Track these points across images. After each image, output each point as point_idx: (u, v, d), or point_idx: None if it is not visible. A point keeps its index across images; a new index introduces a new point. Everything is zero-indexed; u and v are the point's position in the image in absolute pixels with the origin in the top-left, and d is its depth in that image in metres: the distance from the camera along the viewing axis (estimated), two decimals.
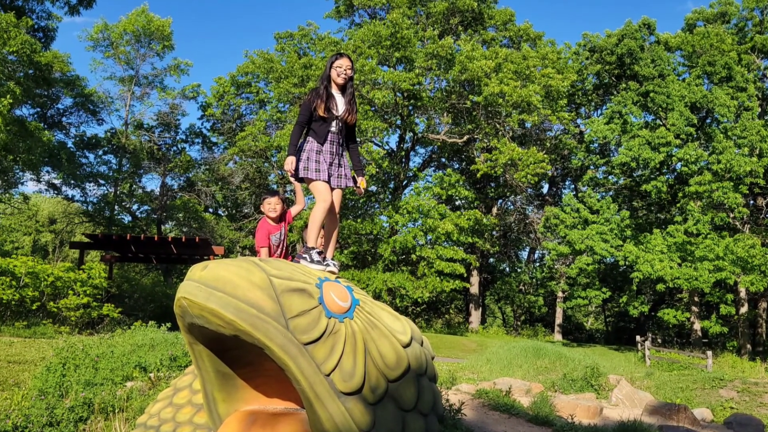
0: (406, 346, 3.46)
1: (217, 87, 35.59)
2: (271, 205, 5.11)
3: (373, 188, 32.35)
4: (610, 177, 33.54)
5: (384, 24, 29.20)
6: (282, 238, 5.19)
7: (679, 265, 27.94)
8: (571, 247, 29.81)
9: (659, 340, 33.12)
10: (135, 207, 37.28)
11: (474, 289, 36.97)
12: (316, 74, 28.33)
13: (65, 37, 64.26)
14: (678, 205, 30.37)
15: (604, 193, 33.31)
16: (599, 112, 38.11)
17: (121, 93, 34.73)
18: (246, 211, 39.29)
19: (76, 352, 7.76)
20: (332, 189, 4.25)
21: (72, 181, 32.49)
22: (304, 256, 3.98)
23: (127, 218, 37.07)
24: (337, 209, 4.32)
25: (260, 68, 33.13)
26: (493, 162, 29.69)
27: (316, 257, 3.97)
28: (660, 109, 29.93)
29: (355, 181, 4.42)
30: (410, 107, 30.87)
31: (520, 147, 30.77)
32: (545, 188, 41.40)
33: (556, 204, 36.86)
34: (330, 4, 47.71)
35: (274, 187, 35.67)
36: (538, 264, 41.88)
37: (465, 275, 32.78)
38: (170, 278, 34.48)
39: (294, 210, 5.41)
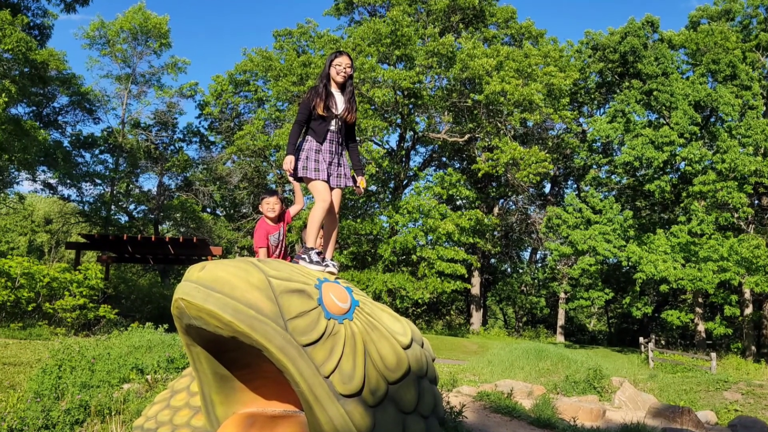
0: (407, 347, 3.45)
1: (215, 85, 35.50)
2: (270, 205, 5.05)
3: (373, 188, 32.18)
4: (612, 176, 33.36)
5: (384, 21, 29.03)
6: (281, 238, 5.15)
7: (683, 265, 27.74)
8: (574, 247, 29.61)
9: (663, 342, 32.94)
10: (132, 207, 37.11)
11: (475, 290, 36.83)
12: (315, 72, 28.19)
13: (61, 35, 64.27)
14: (682, 205, 30.15)
15: (606, 193, 33.14)
16: (602, 110, 38.00)
17: (117, 91, 34.59)
18: (244, 211, 39.12)
19: (72, 354, 7.74)
20: (332, 188, 4.21)
21: (68, 181, 32.39)
22: (303, 256, 3.96)
23: (123, 218, 36.87)
24: (336, 209, 4.29)
25: (259, 66, 33.05)
26: (494, 161, 29.59)
27: (315, 258, 3.95)
28: (663, 107, 29.73)
29: (354, 181, 4.39)
30: (410, 106, 30.71)
31: (521, 146, 30.73)
32: (547, 188, 41.30)
33: (558, 204, 36.65)
34: (329, 1, 47.58)
35: (273, 186, 35.59)
36: (540, 265, 41.72)
37: (466, 276, 32.67)
38: (167, 279, 34.30)
39: (293, 210, 5.36)
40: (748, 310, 29.65)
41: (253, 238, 5.16)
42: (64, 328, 15.84)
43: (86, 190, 34.24)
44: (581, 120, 37.31)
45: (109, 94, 34.65)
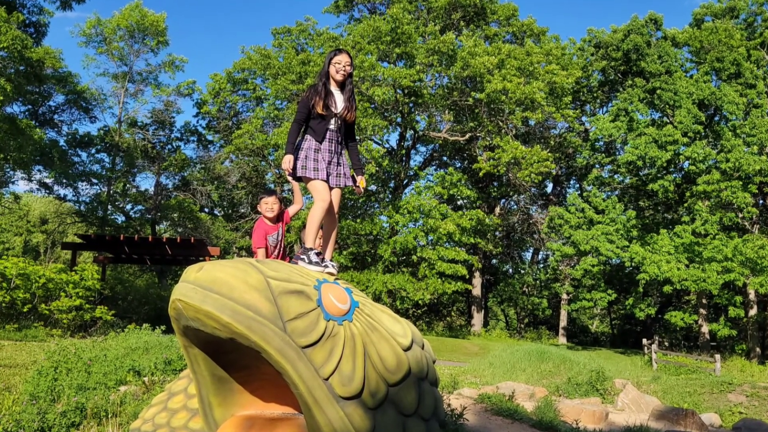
0: (407, 349, 3.44)
1: (213, 84, 35.37)
2: (269, 205, 5.02)
3: (373, 187, 32.03)
4: (615, 176, 33.25)
5: (384, 19, 28.89)
6: (279, 238, 5.13)
7: (687, 266, 27.61)
8: (576, 247, 29.52)
9: (666, 344, 32.67)
10: (129, 207, 36.90)
11: (476, 290, 36.62)
12: (314, 70, 28.07)
13: (57, 33, 64.02)
14: (685, 204, 30.02)
15: (609, 193, 33.07)
16: (605, 109, 37.91)
17: (114, 90, 34.47)
18: (242, 211, 38.94)
19: (68, 356, 7.76)
20: (331, 188, 4.18)
21: (64, 180, 32.28)
22: (302, 257, 3.96)
23: (120, 218, 36.63)
24: (336, 209, 4.28)
25: (257, 64, 32.96)
26: (495, 161, 29.46)
27: (314, 258, 3.94)
28: (667, 106, 29.59)
29: (354, 180, 4.38)
30: (411, 104, 30.54)
31: (523, 145, 30.61)
32: (549, 187, 41.15)
33: (560, 204, 36.51)
34: None
35: (272, 186, 35.46)
36: (542, 265, 41.57)
37: (467, 277, 32.51)
38: (165, 280, 34.10)
39: (292, 210, 5.34)
40: (753, 311, 29.50)
41: (252, 239, 5.15)
42: (60, 330, 15.94)
43: (82, 189, 34.16)
44: (584, 119, 37.20)
45: (105, 92, 34.69)
